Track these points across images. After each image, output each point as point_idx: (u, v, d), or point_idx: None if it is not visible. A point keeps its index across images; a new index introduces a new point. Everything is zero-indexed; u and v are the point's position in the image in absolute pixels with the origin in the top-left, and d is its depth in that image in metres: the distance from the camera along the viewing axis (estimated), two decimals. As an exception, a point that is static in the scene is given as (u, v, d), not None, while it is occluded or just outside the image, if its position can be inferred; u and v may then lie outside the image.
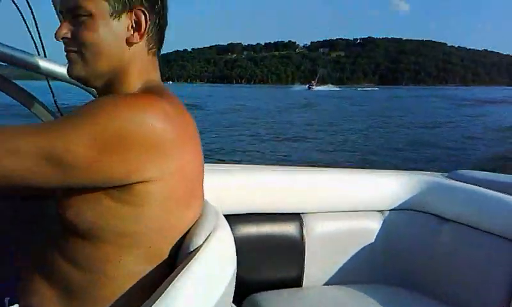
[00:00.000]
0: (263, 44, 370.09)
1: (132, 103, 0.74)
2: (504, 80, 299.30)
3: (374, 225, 1.80)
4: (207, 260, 0.80)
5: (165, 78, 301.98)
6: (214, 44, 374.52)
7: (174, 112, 0.78)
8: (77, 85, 1.23)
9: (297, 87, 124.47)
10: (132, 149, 0.72)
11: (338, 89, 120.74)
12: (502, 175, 1.99)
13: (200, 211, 0.90)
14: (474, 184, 1.73)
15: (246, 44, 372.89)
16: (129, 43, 0.86)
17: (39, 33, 1.35)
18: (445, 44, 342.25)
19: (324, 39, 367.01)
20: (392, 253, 1.80)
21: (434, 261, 1.70)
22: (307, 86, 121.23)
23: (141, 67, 0.88)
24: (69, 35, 0.83)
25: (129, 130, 0.72)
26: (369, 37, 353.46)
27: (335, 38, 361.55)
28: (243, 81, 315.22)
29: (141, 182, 0.75)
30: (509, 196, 1.56)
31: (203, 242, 0.82)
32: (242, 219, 1.61)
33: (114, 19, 0.84)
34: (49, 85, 1.46)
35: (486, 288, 1.49)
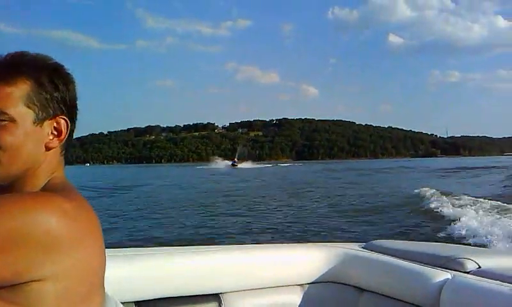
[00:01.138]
0: (182, 125, 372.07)
1: (27, 203, 0.73)
2: (408, 152, 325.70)
3: (294, 299, 1.78)
4: None
5: (81, 160, 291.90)
6: (131, 127, 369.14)
7: (72, 208, 0.77)
8: None
9: (221, 164, 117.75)
10: (25, 249, 0.70)
11: (260, 166, 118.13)
12: (414, 243, 2.09)
13: (101, 305, 0.86)
14: (388, 254, 1.76)
15: (165, 126, 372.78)
16: (48, 147, 0.89)
17: None
18: (354, 122, 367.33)
19: (242, 120, 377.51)
20: None
21: None
22: (231, 163, 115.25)
23: (50, 167, 0.90)
24: None
25: (21, 230, 0.70)
26: (284, 118, 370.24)
27: (252, 119, 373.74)
28: (163, 161, 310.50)
29: (33, 281, 0.72)
30: (421, 265, 1.61)
31: None
32: (156, 304, 1.54)
33: (36, 126, 0.86)
34: None
35: None
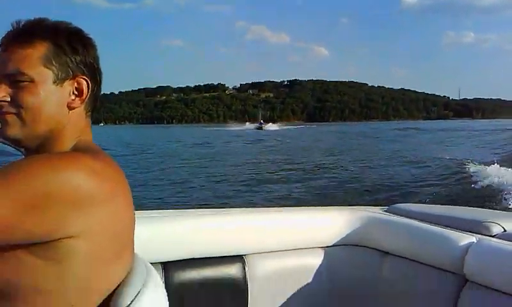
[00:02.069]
0: (192, 86, 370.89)
1: (55, 162, 0.75)
2: (420, 114, 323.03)
3: (317, 262, 1.80)
4: None
5: (94, 120, 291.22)
6: (142, 87, 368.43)
7: (100, 167, 0.79)
8: (5, 144, 1.19)
9: (247, 126, 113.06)
10: (56, 207, 0.72)
11: (286, 127, 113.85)
12: (436, 207, 2.06)
13: (130, 265, 0.88)
14: (412, 217, 1.77)
15: (176, 86, 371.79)
16: (70, 107, 0.90)
17: None
18: (366, 84, 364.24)
19: (253, 81, 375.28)
20: (336, 289, 1.80)
21: (378, 295, 1.73)
22: (257, 125, 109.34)
23: (76, 129, 0.92)
24: (8, 98, 0.85)
25: (52, 188, 0.72)
26: (295, 79, 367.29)
27: (263, 81, 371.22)
28: (174, 121, 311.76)
29: (65, 238, 0.75)
30: (443, 228, 1.61)
31: (131, 302, 0.78)
32: (183, 265, 1.57)
33: (57, 85, 0.87)
34: None
35: None
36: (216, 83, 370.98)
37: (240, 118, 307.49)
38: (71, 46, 0.89)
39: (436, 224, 1.65)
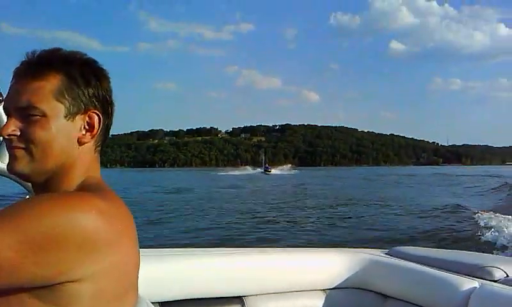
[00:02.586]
0: (185, 130, 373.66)
1: (62, 203, 0.73)
2: (410, 160, 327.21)
3: (317, 304, 1.76)
4: None
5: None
6: (134, 130, 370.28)
7: (108, 208, 0.77)
8: (12, 179, 1.19)
9: (250, 170, 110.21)
10: (61, 250, 0.70)
11: (294, 171, 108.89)
12: (437, 251, 2.06)
13: (133, 306, 0.86)
14: (413, 261, 1.74)
15: (168, 130, 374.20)
16: (80, 142, 0.88)
17: None
18: (356, 129, 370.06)
19: (245, 125, 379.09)
20: None
21: None
22: (263, 169, 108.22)
23: (85, 165, 0.89)
24: (17, 132, 0.83)
25: (58, 230, 0.70)
26: (287, 124, 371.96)
27: (255, 125, 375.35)
28: (166, 165, 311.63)
29: (70, 282, 0.73)
30: (444, 272, 1.59)
31: None
32: (182, 305, 1.55)
33: (68, 120, 0.85)
34: None
35: None
36: (208, 127, 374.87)
37: (233, 161, 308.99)
38: (84, 78, 0.87)
39: (438, 268, 1.63)
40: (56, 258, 0.70)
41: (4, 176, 1.23)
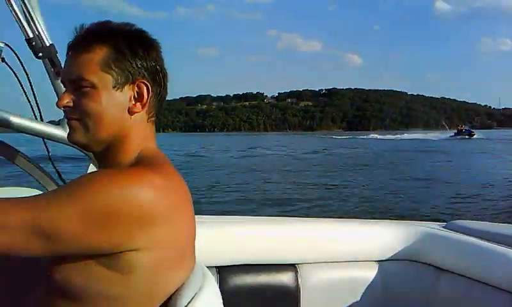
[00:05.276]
0: (232, 95, 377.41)
1: (120, 179, 0.78)
2: (464, 124, 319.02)
3: (370, 275, 1.76)
4: None
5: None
6: (184, 96, 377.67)
7: (164, 183, 0.81)
8: (75, 148, 1.25)
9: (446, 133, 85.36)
10: (120, 223, 0.76)
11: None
12: (499, 225, 1.98)
13: (190, 272, 0.91)
14: (471, 235, 1.71)
15: (215, 95, 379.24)
16: (131, 112, 0.91)
17: (35, 97, 1.41)
18: (405, 92, 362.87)
19: (291, 90, 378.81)
20: (389, 304, 1.76)
21: None
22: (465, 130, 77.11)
23: (139, 135, 0.92)
24: (71, 104, 0.88)
25: (117, 205, 0.75)
26: (333, 88, 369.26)
27: (301, 89, 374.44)
28: (216, 130, 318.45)
29: (128, 251, 0.79)
30: (505, 247, 1.54)
31: (188, 304, 0.82)
32: (237, 270, 1.59)
33: (117, 90, 0.88)
34: (47, 150, 1.53)
35: None
36: (254, 92, 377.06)
37: (281, 126, 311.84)
38: (131, 49, 0.89)
39: (496, 242, 1.60)
40: (114, 231, 0.76)
41: (67, 144, 1.28)
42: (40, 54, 1.35)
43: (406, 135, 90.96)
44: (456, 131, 79.86)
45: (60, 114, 1.17)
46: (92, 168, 1.52)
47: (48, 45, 1.36)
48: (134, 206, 0.76)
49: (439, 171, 20.95)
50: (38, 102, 1.41)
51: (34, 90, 1.40)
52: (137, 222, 0.77)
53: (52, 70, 1.39)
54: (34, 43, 1.32)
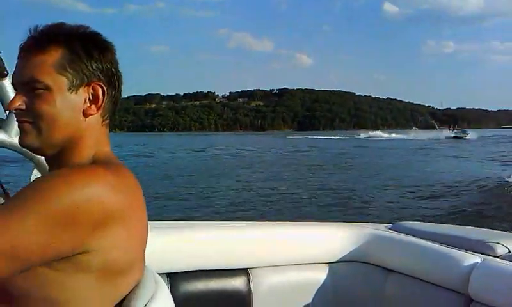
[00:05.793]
0: (182, 94, 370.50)
1: (73, 178, 0.76)
2: (408, 124, 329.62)
3: (321, 277, 1.80)
4: None
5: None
6: (131, 95, 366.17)
7: (119, 183, 0.80)
8: (23, 153, 1.19)
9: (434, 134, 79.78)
10: (80, 224, 0.74)
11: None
12: (442, 226, 2.08)
13: (140, 276, 0.89)
14: (416, 236, 1.76)
15: (165, 94, 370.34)
16: (86, 115, 0.89)
17: None
18: (354, 93, 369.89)
19: (242, 90, 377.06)
20: (340, 305, 1.80)
21: None
22: (453, 133, 77.10)
23: (94, 138, 0.91)
24: (23, 106, 0.85)
25: (76, 206, 0.73)
26: (284, 88, 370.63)
27: (252, 89, 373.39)
28: (165, 130, 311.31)
29: (80, 253, 0.76)
30: (448, 247, 1.60)
31: None
32: (188, 277, 1.58)
33: (71, 93, 0.87)
34: None
35: None
36: (205, 91, 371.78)
37: (232, 126, 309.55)
38: (86, 51, 0.88)
39: (441, 243, 1.64)
40: (73, 233, 0.73)
41: (16, 151, 1.24)
42: None
43: (393, 135, 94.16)
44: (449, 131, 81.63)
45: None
46: (36, 173, 1.44)
47: None
48: (89, 206, 0.74)
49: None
50: None
51: None
52: (93, 222, 0.75)
53: None
54: None
